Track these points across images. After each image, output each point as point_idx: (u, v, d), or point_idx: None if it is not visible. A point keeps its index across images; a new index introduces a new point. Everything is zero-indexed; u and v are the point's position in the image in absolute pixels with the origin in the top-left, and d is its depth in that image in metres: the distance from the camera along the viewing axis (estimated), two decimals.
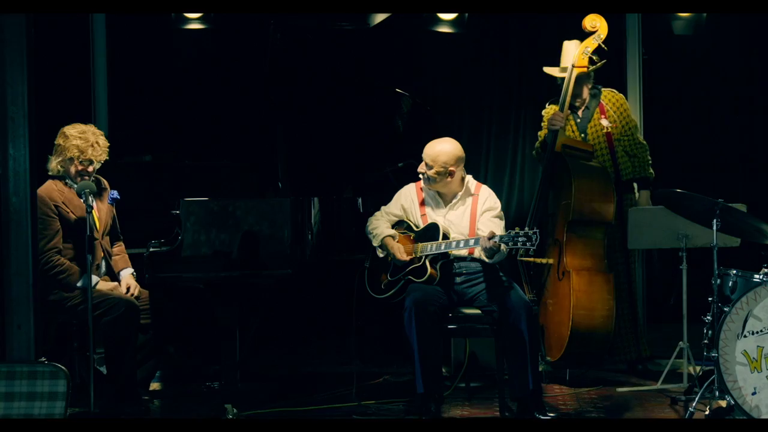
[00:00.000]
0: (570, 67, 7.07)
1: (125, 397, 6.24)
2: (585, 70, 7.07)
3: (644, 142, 7.27)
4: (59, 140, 6.27)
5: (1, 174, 6.00)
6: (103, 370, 6.46)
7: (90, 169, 6.32)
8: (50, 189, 6.26)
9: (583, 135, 7.19)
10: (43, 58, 5.77)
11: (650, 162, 7.24)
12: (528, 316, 5.92)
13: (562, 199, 6.97)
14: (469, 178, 6.29)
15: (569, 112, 7.15)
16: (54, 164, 6.30)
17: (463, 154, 6.20)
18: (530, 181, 8.39)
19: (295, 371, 7.56)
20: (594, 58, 7.07)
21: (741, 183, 8.49)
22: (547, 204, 7.15)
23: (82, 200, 6.04)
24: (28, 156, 5.96)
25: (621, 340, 7.18)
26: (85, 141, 6.27)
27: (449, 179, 6.15)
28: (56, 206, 6.21)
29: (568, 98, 7.07)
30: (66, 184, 6.31)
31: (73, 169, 6.29)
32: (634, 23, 7.91)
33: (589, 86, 7.23)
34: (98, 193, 6.34)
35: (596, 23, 7.08)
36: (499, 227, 6.06)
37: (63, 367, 5.10)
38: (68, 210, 6.23)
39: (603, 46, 7.06)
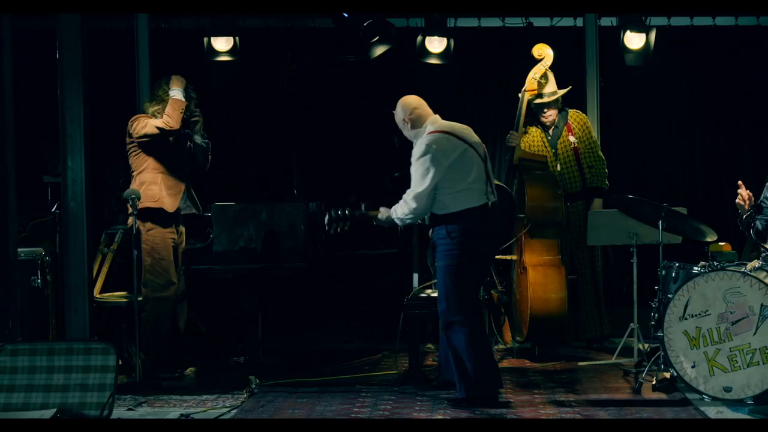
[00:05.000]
0: (522, 92, 7.09)
1: (163, 368, 6.25)
2: (535, 92, 7.05)
3: (602, 157, 7.27)
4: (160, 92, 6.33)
5: (60, 182, 6.03)
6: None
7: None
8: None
9: (553, 150, 7.19)
10: (95, 82, 5.80)
11: (606, 174, 7.24)
12: (443, 325, 5.54)
13: (520, 204, 6.97)
14: (428, 123, 5.58)
15: (524, 130, 7.15)
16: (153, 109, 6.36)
17: (409, 105, 5.60)
18: None
19: (308, 348, 7.55)
20: (542, 81, 7.06)
21: (682, 190, 8.50)
22: None
23: (128, 204, 6.01)
24: (84, 167, 6.00)
25: (587, 319, 7.19)
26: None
27: (407, 130, 5.64)
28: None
29: (522, 118, 7.09)
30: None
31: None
32: (592, 56, 7.92)
33: (557, 109, 7.22)
34: None
35: (542, 52, 7.09)
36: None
37: (112, 345, 5.13)
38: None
39: (549, 71, 7.06)
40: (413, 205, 5.46)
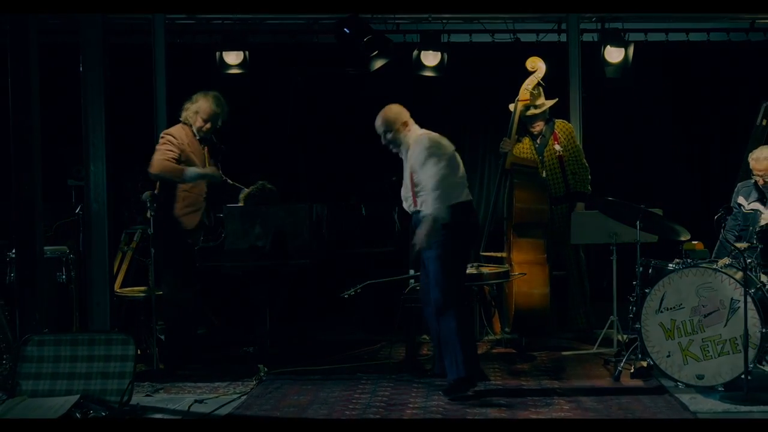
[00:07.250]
0: (515, 101, 7.10)
1: (191, 357, 6.25)
2: (528, 102, 7.05)
3: (586, 165, 7.26)
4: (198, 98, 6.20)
5: (84, 186, 6.05)
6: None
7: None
8: (182, 132, 6.16)
9: (540, 157, 7.20)
10: (116, 94, 5.80)
11: (589, 180, 7.24)
12: (436, 312, 5.48)
13: (510, 206, 6.98)
14: (412, 132, 5.52)
15: (516, 137, 7.15)
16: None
17: (392, 115, 5.53)
18: (494, 192, 8.39)
19: (312, 339, 7.54)
20: (534, 92, 7.07)
21: (659, 192, 8.50)
22: (503, 210, 7.18)
23: (147, 205, 5.99)
24: (105, 172, 6.01)
25: (574, 313, 7.21)
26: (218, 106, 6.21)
27: (401, 133, 5.53)
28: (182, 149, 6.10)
29: (515, 126, 7.08)
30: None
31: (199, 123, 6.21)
32: (575, 69, 7.92)
33: (545, 119, 7.22)
34: None
35: (535, 64, 7.09)
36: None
37: (131, 336, 5.14)
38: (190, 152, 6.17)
39: (542, 83, 7.07)
40: (438, 191, 5.27)
